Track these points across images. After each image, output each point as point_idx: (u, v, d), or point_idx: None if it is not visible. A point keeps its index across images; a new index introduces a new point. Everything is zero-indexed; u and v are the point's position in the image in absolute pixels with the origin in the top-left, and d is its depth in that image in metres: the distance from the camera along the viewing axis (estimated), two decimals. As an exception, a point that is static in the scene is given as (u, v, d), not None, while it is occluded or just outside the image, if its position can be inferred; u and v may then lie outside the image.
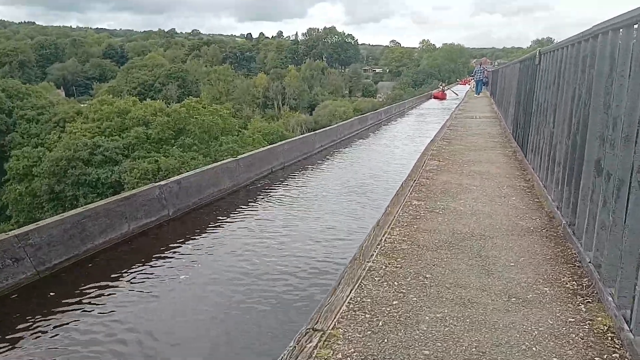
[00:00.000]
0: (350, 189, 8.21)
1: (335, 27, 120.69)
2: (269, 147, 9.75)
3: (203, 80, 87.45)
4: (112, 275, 4.63)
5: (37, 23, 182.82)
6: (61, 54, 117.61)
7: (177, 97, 71.86)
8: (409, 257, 3.81)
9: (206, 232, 5.96)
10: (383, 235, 4.32)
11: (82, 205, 6.42)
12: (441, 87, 40.95)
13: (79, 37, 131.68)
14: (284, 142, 10.31)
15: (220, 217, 6.53)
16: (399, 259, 3.77)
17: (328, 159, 11.30)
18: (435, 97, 35.73)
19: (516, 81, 10.02)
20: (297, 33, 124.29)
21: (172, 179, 6.62)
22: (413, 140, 14.34)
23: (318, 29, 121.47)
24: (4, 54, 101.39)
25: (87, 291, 4.30)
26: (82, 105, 35.38)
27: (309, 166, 10.22)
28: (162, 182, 6.38)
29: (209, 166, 7.59)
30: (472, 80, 40.09)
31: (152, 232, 5.84)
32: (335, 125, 14.28)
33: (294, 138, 11.10)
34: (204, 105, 32.49)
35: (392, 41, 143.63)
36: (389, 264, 3.69)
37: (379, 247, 4.05)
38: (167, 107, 32.65)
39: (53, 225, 4.66)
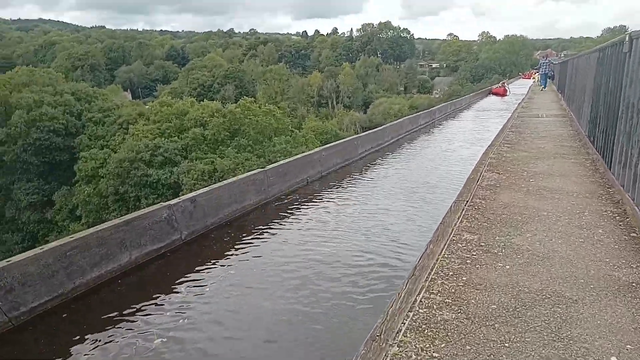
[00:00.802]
0: (395, 208, 6.86)
1: (390, 22, 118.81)
2: (304, 154, 8.48)
3: (259, 80, 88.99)
4: (106, 317, 3.88)
5: (106, 27, 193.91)
6: (128, 56, 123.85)
7: (235, 97, 73.51)
8: (453, 335, 2.72)
9: (225, 258, 5.11)
10: (418, 293, 3.26)
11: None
12: (502, 83, 37.03)
13: (144, 40, 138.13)
14: (322, 147, 9.10)
15: (244, 239, 5.60)
16: (437, 341, 2.68)
17: (372, 166, 9.89)
18: (494, 94, 32.62)
19: (593, 75, 8.60)
20: (352, 29, 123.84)
21: (185, 196, 5.73)
22: (471, 144, 12.62)
23: (373, 24, 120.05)
24: (77, 58, 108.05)
25: (73, 339, 3.57)
26: (144, 107, 36.83)
27: (349, 176, 8.93)
28: (173, 201, 5.50)
29: (231, 180, 6.57)
30: (537, 74, 37.88)
31: (160, 261, 5.05)
32: (383, 127, 12.79)
33: (334, 143, 9.54)
34: (258, 105, 32.79)
35: (450, 34, 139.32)
36: (423, 349, 2.61)
37: (411, 314, 2.98)
38: (224, 107, 33.24)
39: (28, 261, 3.93)
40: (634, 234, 4.10)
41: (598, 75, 7.87)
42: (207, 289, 4.36)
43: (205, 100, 56.75)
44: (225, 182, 6.43)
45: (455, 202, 5.68)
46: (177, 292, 4.31)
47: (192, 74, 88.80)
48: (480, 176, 6.68)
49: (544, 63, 32.68)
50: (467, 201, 5.43)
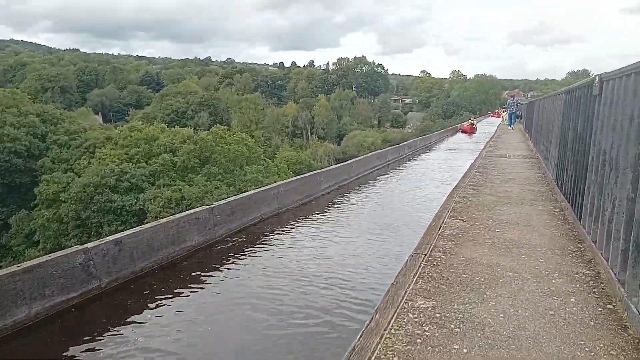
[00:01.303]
0: (353, 254, 6.04)
1: (365, 57, 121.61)
2: (260, 189, 7.76)
3: (234, 108, 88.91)
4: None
5: (81, 50, 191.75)
6: (101, 80, 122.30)
7: (209, 124, 73.03)
8: None
9: (152, 308, 4.42)
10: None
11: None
12: (471, 120, 36.43)
13: (119, 65, 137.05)
14: (281, 182, 8.41)
15: (176, 288, 4.89)
16: None
17: (334, 204, 9.10)
18: (463, 132, 31.98)
19: (560, 117, 8.33)
20: (328, 62, 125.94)
21: (108, 238, 5.02)
22: (440, 182, 11.97)
23: (348, 59, 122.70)
24: (47, 79, 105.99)
25: None
26: (114, 131, 35.92)
27: (308, 216, 8.05)
28: (91, 244, 4.76)
29: (169, 218, 5.85)
30: (505, 113, 38.97)
31: (71, 313, 4.30)
32: (349, 162, 12.12)
33: (294, 178, 8.99)
34: (231, 133, 32.42)
35: (423, 71, 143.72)
36: None
37: None
38: (195, 134, 32.71)
39: None
40: (610, 306, 3.62)
41: (565, 118, 7.59)
42: (122, 348, 3.67)
43: (177, 126, 56.13)
44: (160, 221, 5.72)
45: (412, 255, 4.98)
46: (88, 351, 3.67)
47: (166, 99, 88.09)
48: (442, 223, 6.13)
49: (511, 103, 33.69)
50: (426, 255, 4.85)
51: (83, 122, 37.83)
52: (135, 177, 27.84)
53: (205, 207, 6.45)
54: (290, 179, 8.82)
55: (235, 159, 30.66)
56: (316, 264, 5.64)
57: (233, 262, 5.68)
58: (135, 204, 27.18)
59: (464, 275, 4.26)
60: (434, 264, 4.57)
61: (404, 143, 19.44)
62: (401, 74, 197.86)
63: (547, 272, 4.34)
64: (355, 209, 9.00)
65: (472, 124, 33.38)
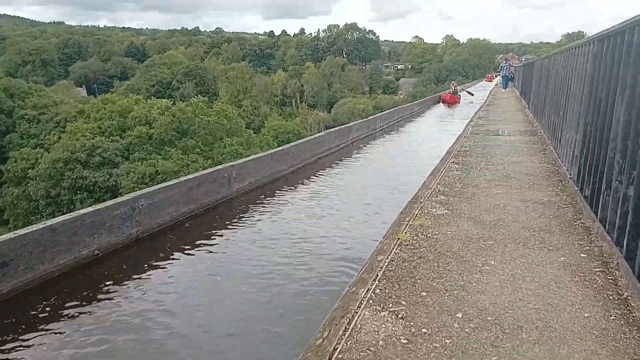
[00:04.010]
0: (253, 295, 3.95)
1: (356, 23, 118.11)
2: (123, 198, 4.96)
3: (221, 78, 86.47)
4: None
5: (66, 23, 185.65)
6: (85, 52, 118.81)
7: (194, 95, 71.07)
8: None
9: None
10: None
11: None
12: (453, 87, 27.29)
13: (104, 36, 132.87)
14: (172, 183, 5.63)
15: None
16: None
17: (248, 212, 6.11)
18: (444, 102, 25.40)
19: (583, 83, 5.55)
20: (318, 30, 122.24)
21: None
22: (386, 189, 7.40)
23: (339, 26, 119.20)
24: (28, 53, 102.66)
25: None
26: (87, 104, 34.12)
27: (202, 236, 5.26)
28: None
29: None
30: (498, 77, 37.45)
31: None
32: (285, 147, 8.61)
33: (192, 176, 6.02)
34: (211, 104, 30.85)
35: (415, 37, 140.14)
36: None
37: None
38: (173, 105, 31.10)
39: None
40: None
41: (595, 85, 4.87)
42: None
43: (163, 98, 54.23)
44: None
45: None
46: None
47: (150, 70, 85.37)
48: (357, 320, 2.89)
49: (504, 66, 32.33)
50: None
51: (55, 96, 35.95)
52: (108, 151, 26.43)
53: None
54: (189, 177, 6.03)
55: (215, 131, 29.20)
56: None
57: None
58: (109, 179, 25.87)
59: None
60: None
61: (376, 116, 15.81)
62: (394, 40, 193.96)
63: None
64: (273, 224, 5.85)
65: (454, 92, 25.88)
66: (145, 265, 4.45)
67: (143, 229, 5.03)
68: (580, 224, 4.60)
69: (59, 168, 25.45)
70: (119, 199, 4.87)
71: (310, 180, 7.97)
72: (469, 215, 4.88)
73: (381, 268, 3.65)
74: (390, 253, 3.97)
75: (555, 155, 7.62)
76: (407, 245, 4.13)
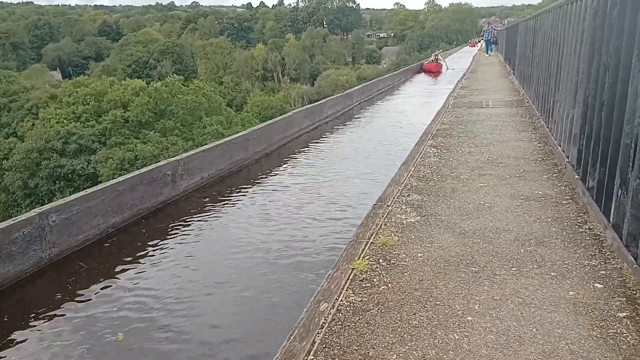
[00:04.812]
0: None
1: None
2: (26, 215, 4.06)
3: (200, 55, 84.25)
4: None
5: (34, 3, 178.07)
6: (56, 34, 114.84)
7: (174, 73, 69.38)
8: None
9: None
10: None
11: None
12: (434, 56, 26.40)
13: (75, 16, 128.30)
14: (94, 189, 4.74)
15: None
16: None
17: (196, 215, 5.32)
18: (426, 71, 24.53)
19: (580, 46, 4.69)
20: (297, 0, 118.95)
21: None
22: (359, 177, 6.78)
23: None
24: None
25: None
26: (57, 89, 32.81)
27: (133, 251, 4.55)
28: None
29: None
30: (482, 41, 36.86)
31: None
32: (245, 133, 7.67)
33: (123, 178, 5.11)
34: (186, 83, 29.86)
35: (397, 4, 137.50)
36: None
37: None
38: (148, 85, 30.04)
39: None
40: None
41: (603, 44, 3.83)
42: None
43: (142, 77, 52.62)
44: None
45: None
46: None
47: (125, 49, 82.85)
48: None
49: (486, 30, 31.82)
50: None
51: (25, 81, 34.49)
52: (84, 137, 25.54)
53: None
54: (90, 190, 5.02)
55: (194, 111, 28.35)
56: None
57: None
58: (87, 167, 25.10)
59: None
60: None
61: (327, 100, 13.17)
62: (375, 8, 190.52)
63: None
64: (209, 232, 5.07)
65: (437, 60, 25.10)
66: (59, 295, 3.61)
67: (59, 249, 4.18)
68: (588, 231, 3.65)
69: (34, 158, 24.59)
70: (20, 217, 3.97)
71: (275, 170, 7.19)
72: (447, 223, 3.89)
73: (322, 327, 2.61)
74: (339, 297, 2.89)
75: (546, 131, 6.76)
76: (362, 279, 3.09)
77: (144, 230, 4.88)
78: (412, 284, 3.00)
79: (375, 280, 3.09)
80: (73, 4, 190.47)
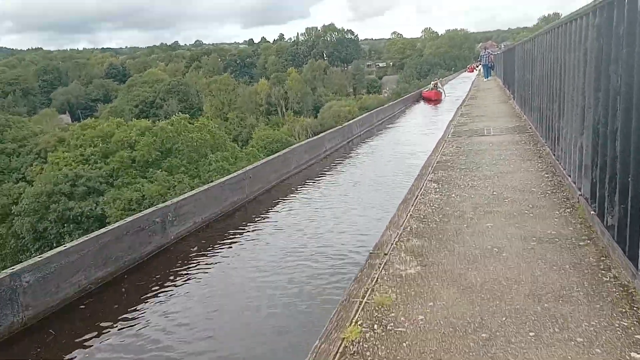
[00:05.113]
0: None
1: (334, 24, 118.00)
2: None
3: (204, 92, 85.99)
4: None
5: (44, 48, 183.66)
6: (65, 77, 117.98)
7: (180, 112, 70.65)
8: None
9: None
10: None
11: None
12: (434, 83, 26.63)
13: (83, 59, 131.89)
14: (73, 244, 4.45)
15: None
16: None
17: (188, 264, 5.13)
18: (425, 99, 24.62)
19: (584, 67, 4.39)
20: (297, 34, 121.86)
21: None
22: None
23: (317, 28, 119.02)
24: (7, 83, 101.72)
25: None
26: (65, 132, 33.59)
27: (121, 308, 4.37)
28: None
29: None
30: (480, 66, 37.43)
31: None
32: (240, 173, 7.55)
33: (107, 229, 4.89)
34: (191, 121, 30.46)
35: (394, 33, 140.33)
36: None
37: None
38: (154, 125, 30.66)
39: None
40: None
41: (612, 62, 3.46)
42: None
43: (149, 117, 53.67)
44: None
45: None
46: None
47: (132, 90, 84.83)
48: None
49: (483, 55, 32.39)
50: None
51: (35, 126, 35.34)
52: (92, 179, 25.94)
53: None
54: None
55: (199, 148, 28.82)
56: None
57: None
58: (96, 208, 25.39)
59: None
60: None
61: (351, 122, 14.48)
62: (373, 38, 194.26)
63: None
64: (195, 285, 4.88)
65: (437, 88, 24.99)
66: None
67: (34, 312, 3.84)
68: (613, 280, 3.17)
69: (43, 201, 24.93)
70: None
71: (271, 212, 6.98)
72: (451, 274, 3.49)
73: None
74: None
75: (553, 159, 6.34)
76: (354, 353, 2.68)
77: (126, 286, 4.63)
78: (412, 357, 2.57)
79: (368, 354, 2.65)
80: (80, 48, 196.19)
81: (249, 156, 31.20)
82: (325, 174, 9.53)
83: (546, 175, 5.99)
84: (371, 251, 4.18)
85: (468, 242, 4.08)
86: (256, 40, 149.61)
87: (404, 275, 3.60)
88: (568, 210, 4.64)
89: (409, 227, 4.61)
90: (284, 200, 7.61)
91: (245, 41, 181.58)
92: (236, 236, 5.92)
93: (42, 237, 25.63)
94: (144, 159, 27.38)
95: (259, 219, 6.64)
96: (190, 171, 26.75)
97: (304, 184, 8.58)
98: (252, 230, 6.16)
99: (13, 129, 31.53)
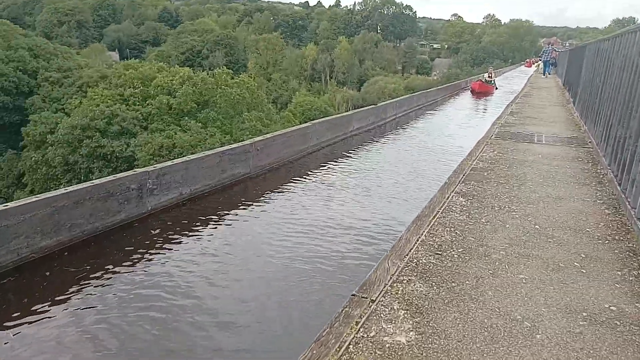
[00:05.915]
0: None
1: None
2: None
3: (251, 49, 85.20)
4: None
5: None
6: (119, 15, 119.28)
7: (224, 65, 70.34)
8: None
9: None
10: None
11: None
12: (487, 74, 23.73)
13: (138, 0, 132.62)
14: (18, 204, 3.82)
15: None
16: None
17: (162, 241, 4.47)
18: (474, 92, 21.86)
19: None
20: (355, 2, 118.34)
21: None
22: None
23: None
24: (64, 13, 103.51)
25: None
26: (109, 70, 33.58)
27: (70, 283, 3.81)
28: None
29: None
30: (540, 62, 35.22)
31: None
32: (246, 143, 6.66)
33: (63, 191, 4.14)
34: (232, 76, 29.84)
35: (454, 14, 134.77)
36: None
37: None
38: (195, 75, 30.22)
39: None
40: None
41: None
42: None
43: (194, 66, 53.52)
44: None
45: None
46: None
47: (181, 37, 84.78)
48: None
49: (547, 50, 30.29)
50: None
51: (80, 59, 35.53)
52: (127, 120, 25.87)
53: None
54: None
55: (236, 105, 28.27)
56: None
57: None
58: (126, 149, 25.42)
59: None
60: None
61: (385, 103, 13.14)
62: (432, 18, 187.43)
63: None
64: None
65: (484, 81, 22.44)
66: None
67: None
68: None
69: (77, 135, 25.08)
70: None
71: (274, 191, 6.02)
72: (457, 358, 2.35)
73: None
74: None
75: (618, 190, 4.98)
76: None
77: (74, 261, 3.89)
78: None
79: None
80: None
81: (284, 120, 30.51)
82: (346, 156, 8.40)
83: (607, 211, 4.62)
84: (354, 293, 3.01)
85: (490, 302, 2.89)
86: (312, 4, 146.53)
87: (389, 345, 2.43)
88: (636, 271, 3.31)
89: (414, 261, 3.45)
90: (293, 182, 6.56)
91: (300, 3, 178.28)
92: (223, 214, 5.09)
93: (72, 169, 25.96)
94: (180, 108, 27.07)
95: (255, 200, 5.67)
96: (224, 126, 26.32)
97: (320, 167, 7.48)
98: (243, 210, 5.27)
99: (59, 59, 31.78)
